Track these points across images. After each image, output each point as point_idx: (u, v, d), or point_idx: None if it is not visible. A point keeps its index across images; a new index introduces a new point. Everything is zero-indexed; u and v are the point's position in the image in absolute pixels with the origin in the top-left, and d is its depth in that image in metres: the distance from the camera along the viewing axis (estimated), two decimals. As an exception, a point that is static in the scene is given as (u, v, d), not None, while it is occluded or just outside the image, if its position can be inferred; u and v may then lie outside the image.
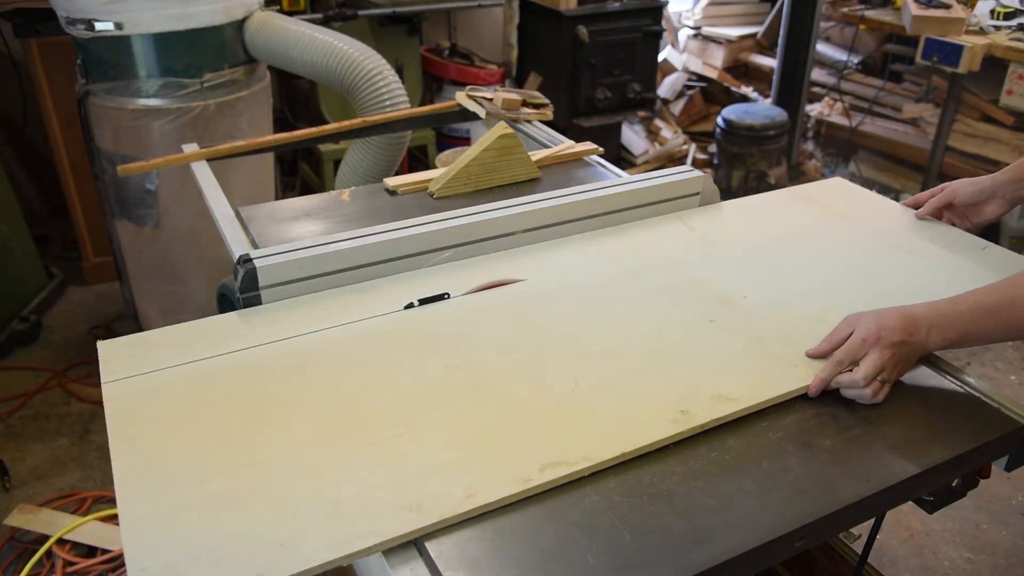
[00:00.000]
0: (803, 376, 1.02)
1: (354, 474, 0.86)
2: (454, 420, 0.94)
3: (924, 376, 1.05)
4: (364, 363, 1.04)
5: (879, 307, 1.05)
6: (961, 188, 1.35)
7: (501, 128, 1.51)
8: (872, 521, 1.08)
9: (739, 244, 1.35)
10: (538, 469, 0.86)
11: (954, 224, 1.39)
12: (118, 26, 2.08)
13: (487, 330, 1.11)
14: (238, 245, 1.27)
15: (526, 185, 1.55)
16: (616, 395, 0.99)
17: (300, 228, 1.39)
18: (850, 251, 1.33)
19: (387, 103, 2.12)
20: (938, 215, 1.40)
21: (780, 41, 4.05)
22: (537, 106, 1.84)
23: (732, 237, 1.37)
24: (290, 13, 2.81)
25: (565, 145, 1.68)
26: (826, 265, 1.28)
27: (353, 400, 0.97)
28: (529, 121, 1.82)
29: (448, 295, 1.18)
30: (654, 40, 3.72)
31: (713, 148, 4.09)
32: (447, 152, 3.16)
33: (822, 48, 4.24)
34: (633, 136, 4.00)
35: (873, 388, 0.98)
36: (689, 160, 4.10)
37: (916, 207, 1.42)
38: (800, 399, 1.00)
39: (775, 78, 4.14)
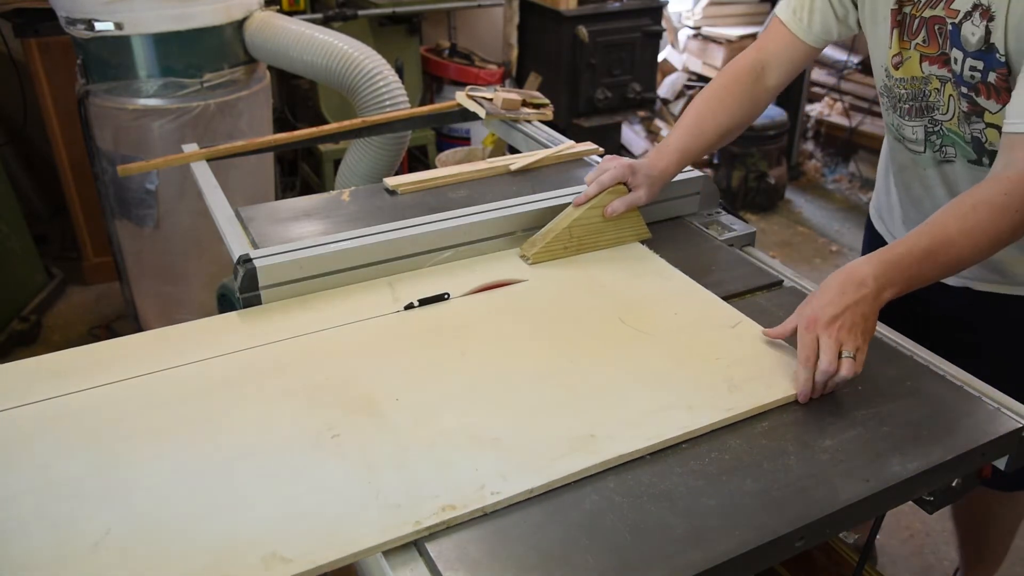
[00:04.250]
0: (396, 526, 0.79)
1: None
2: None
3: (924, 376, 1.05)
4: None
5: (561, 414, 0.94)
6: (635, 165, 1.29)
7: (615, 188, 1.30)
8: (872, 521, 1.08)
9: (439, 320, 1.13)
10: None
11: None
12: (118, 26, 2.08)
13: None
14: (238, 245, 1.27)
15: (526, 185, 1.55)
16: (153, 546, 0.77)
17: (300, 228, 1.39)
18: (576, 336, 1.10)
19: (387, 103, 2.12)
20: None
21: (780, 41, 4.04)
22: (537, 106, 1.84)
23: (446, 309, 1.16)
24: (290, 13, 2.81)
25: (565, 145, 1.68)
26: (521, 356, 1.06)
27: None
28: (529, 121, 1.81)
29: (448, 295, 1.18)
30: (654, 40, 3.72)
31: (713, 148, 4.08)
32: (447, 152, 3.17)
33: (822, 48, 4.24)
34: (633, 136, 4.00)
35: (845, 368, 0.96)
36: (689, 160, 4.10)
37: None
38: (798, 402, 1.00)
39: (775, 78, 4.13)
